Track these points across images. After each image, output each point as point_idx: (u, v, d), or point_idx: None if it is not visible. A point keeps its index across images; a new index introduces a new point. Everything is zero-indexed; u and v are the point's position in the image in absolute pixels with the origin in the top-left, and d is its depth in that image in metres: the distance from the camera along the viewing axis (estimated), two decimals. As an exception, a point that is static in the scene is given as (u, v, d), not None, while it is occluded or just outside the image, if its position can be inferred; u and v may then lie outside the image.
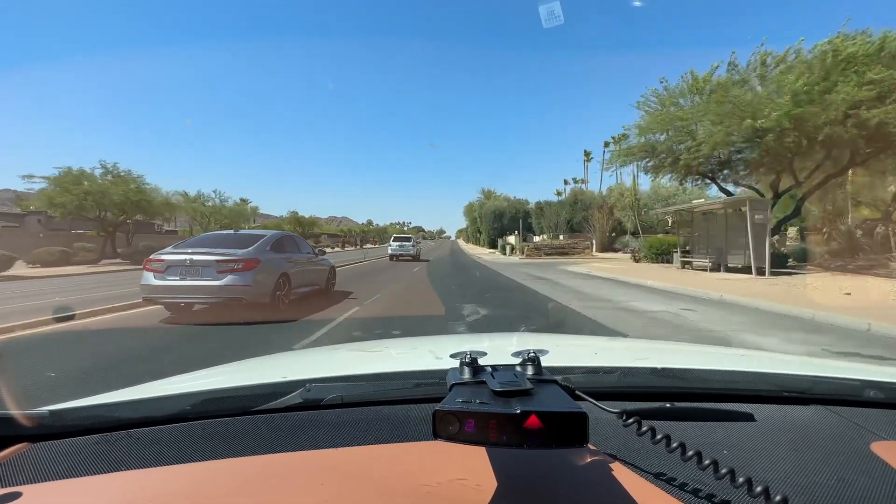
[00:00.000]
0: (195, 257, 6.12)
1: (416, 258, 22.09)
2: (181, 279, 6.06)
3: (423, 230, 73.40)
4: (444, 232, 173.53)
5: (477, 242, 56.89)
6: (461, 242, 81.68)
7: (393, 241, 23.79)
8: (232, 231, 7.51)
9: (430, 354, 1.17)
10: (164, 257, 6.15)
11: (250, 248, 6.56)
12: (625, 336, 4.82)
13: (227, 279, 6.12)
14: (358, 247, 53.70)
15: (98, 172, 20.08)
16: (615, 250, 26.79)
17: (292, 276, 7.07)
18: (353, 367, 1.11)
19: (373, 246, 65.26)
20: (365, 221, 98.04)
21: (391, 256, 22.51)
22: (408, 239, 23.37)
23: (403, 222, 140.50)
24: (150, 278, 6.10)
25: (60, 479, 0.61)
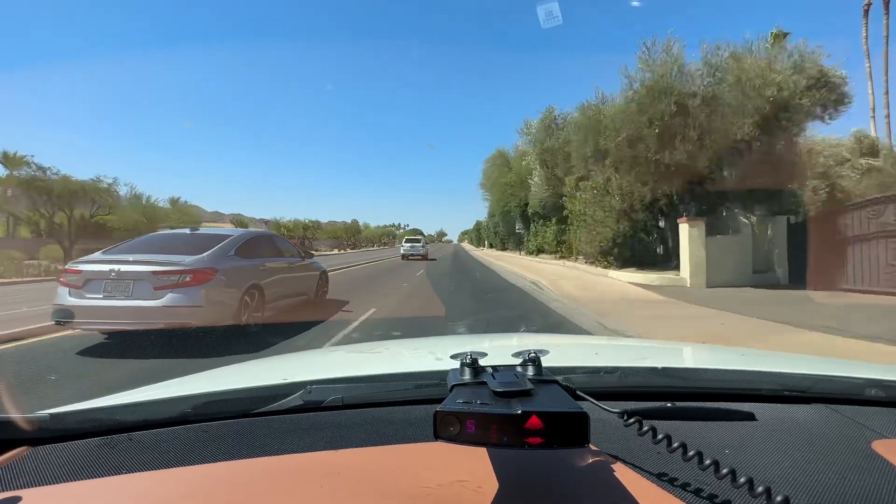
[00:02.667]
0: (123, 267, 5.02)
1: (424, 257, 28.35)
2: (104, 297, 4.92)
3: (422, 233, 69.60)
4: (446, 234, 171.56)
5: (504, 245, 38.25)
6: (467, 247, 72.26)
7: (405, 241, 30.95)
8: (187, 230, 6.57)
9: (431, 355, 1.23)
10: (82, 267, 5.14)
11: (204, 255, 5.47)
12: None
13: (167, 297, 4.94)
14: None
15: None
16: None
17: (268, 286, 6.20)
18: (353, 369, 1.16)
19: (338, 252, 49.63)
20: (350, 221, 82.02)
21: (403, 256, 28.75)
22: (418, 240, 30.17)
23: (399, 224, 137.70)
24: (64, 295, 4.99)
25: (61, 482, 0.63)
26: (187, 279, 4.95)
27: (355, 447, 0.69)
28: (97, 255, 5.36)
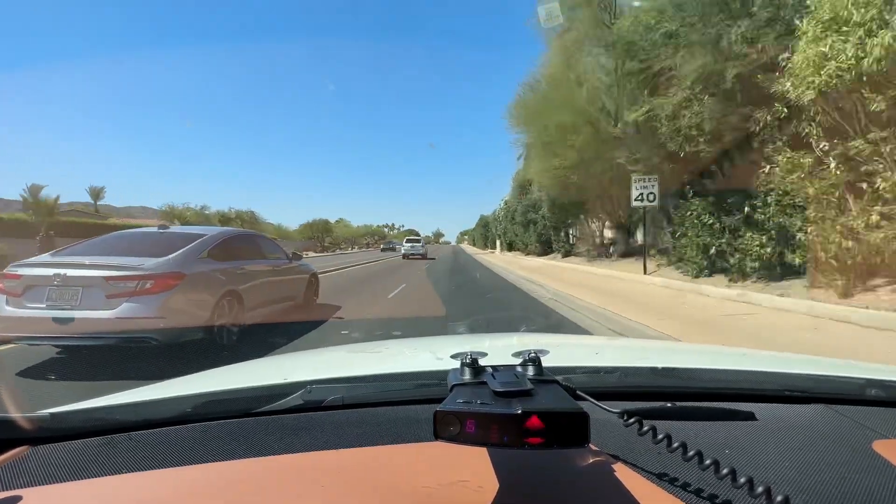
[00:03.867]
0: (70, 272, 4.39)
1: (424, 256, 31.71)
2: (47, 307, 4.30)
3: (418, 234, 63.88)
4: (443, 235, 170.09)
5: (547, 247, 24.09)
6: (468, 249, 60.97)
7: (406, 242, 34.55)
8: (156, 229, 6.07)
9: (431, 355, 1.27)
10: (22, 271, 4.52)
11: (170, 257, 4.90)
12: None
13: (121, 308, 4.33)
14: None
15: None
16: None
17: (247, 292, 5.73)
18: (353, 369, 1.20)
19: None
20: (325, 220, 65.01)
21: (404, 255, 32.20)
22: (418, 241, 33.93)
23: (393, 224, 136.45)
24: (0, 304, 4.41)
25: (61, 482, 0.66)
26: (147, 286, 4.62)
27: (356, 447, 0.73)
28: (44, 256, 5.14)
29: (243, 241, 6.39)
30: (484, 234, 55.72)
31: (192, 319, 4.80)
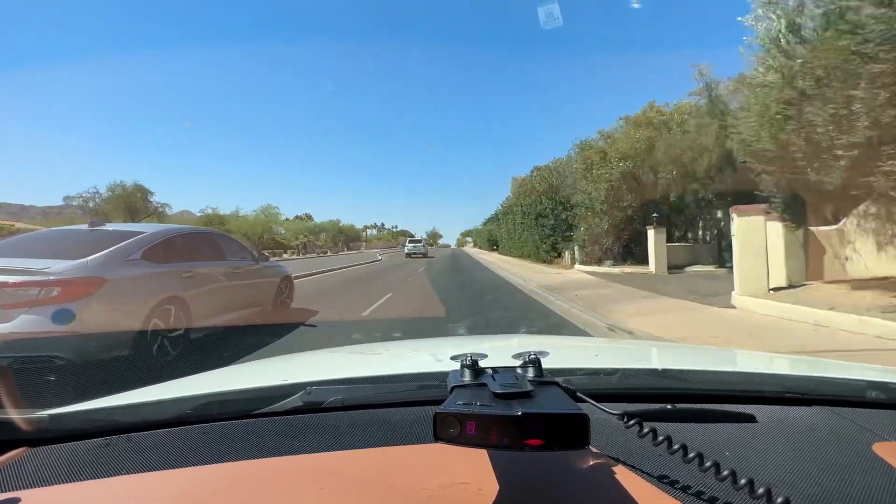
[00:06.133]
0: None
1: (425, 255, 40.72)
2: None
3: (412, 234, 55.63)
4: (441, 237, 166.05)
5: None
6: (485, 256, 48.44)
7: (408, 242, 45.20)
8: (86, 226, 5.22)
9: (431, 357, 1.30)
10: None
11: (87, 259, 4.15)
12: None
13: (18, 320, 3.58)
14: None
15: None
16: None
17: (195, 299, 5.03)
18: (353, 370, 1.23)
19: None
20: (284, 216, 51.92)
21: (407, 255, 40.77)
22: (419, 241, 43.98)
23: (382, 224, 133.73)
24: None
25: (60, 483, 0.70)
26: (53, 294, 4.22)
27: (355, 448, 0.78)
28: None
29: (194, 239, 5.91)
30: (520, 223, 27.07)
31: (116, 332, 4.22)
